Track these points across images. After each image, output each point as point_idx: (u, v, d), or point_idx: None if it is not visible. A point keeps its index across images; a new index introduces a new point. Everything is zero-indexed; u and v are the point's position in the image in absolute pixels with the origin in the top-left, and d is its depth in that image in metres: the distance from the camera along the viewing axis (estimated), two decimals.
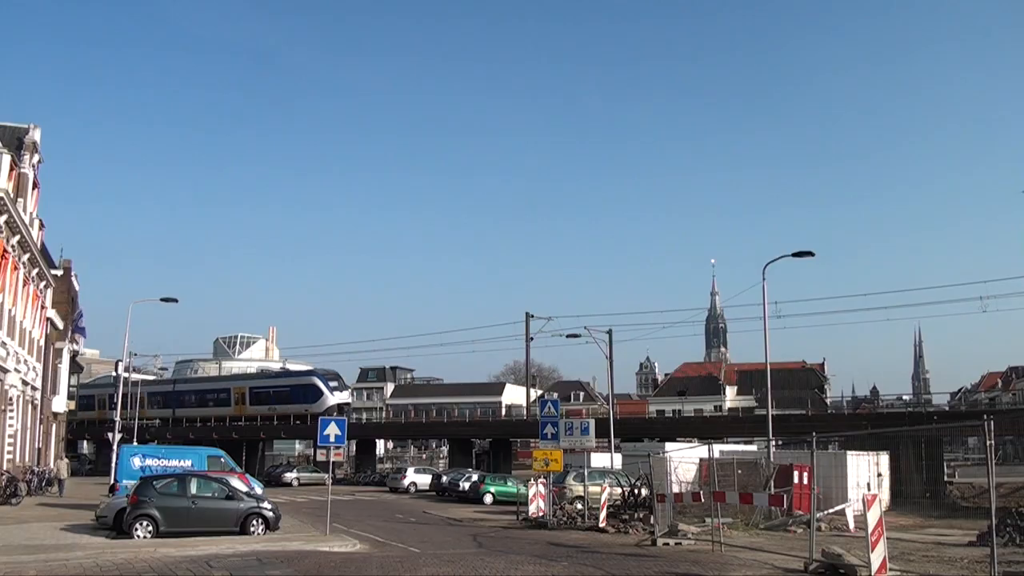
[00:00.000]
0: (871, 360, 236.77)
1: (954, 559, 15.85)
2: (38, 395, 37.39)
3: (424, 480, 47.57)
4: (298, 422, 63.81)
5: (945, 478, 36.93)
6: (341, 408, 59.56)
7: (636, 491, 25.93)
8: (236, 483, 22.02)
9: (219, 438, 61.65)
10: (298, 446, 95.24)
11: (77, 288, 49.42)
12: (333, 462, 24.42)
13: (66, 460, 39.73)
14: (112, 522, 20.06)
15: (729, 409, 79.71)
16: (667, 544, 18.42)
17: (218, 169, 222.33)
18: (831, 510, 23.08)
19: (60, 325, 42.64)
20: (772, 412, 29.79)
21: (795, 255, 27.46)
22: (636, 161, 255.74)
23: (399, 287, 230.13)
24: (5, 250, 26.78)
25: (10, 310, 29.24)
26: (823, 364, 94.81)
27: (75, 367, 54.80)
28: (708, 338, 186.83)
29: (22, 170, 30.44)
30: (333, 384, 64.32)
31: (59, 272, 40.62)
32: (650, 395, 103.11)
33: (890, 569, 13.04)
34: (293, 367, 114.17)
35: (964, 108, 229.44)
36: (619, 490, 26.62)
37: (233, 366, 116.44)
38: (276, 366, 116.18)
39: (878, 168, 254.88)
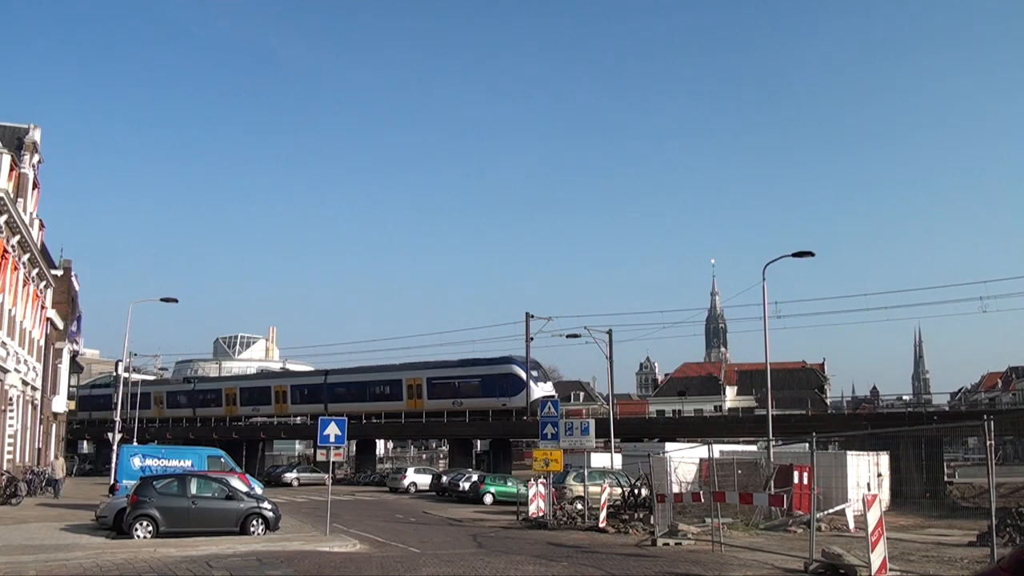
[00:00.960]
0: (871, 360, 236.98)
1: (954, 559, 15.84)
2: (38, 395, 37.38)
3: (424, 480, 47.54)
4: (500, 419, 53.91)
5: (945, 478, 36.91)
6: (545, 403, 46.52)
7: (636, 491, 25.92)
8: (236, 483, 22.00)
9: (219, 438, 61.61)
10: (298, 446, 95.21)
11: (77, 288, 49.43)
12: (333, 462, 24.37)
13: (62, 460, 38.74)
14: (112, 522, 20.06)
15: (729, 409, 79.62)
16: (667, 544, 18.41)
17: (218, 169, 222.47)
18: (831, 510, 23.07)
19: (60, 325, 42.63)
20: (772, 412, 29.76)
21: (795, 255, 27.44)
22: (636, 161, 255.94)
23: (399, 287, 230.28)
24: (5, 250, 26.77)
25: (10, 310, 29.23)
26: (823, 364, 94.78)
27: (75, 367, 54.79)
28: (708, 338, 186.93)
29: (22, 170, 30.44)
30: (535, 373, 53.54)
31: (59, 272, 40.62)
32: (650, 395, 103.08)
33: (890, 569, 13.04)
34: (294, 367, 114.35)
35: (964, 108, 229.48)
36: (619, 490, 26.60)
37: (233, 366, 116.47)
38: (276, 366, 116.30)
39: (878, 168, 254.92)
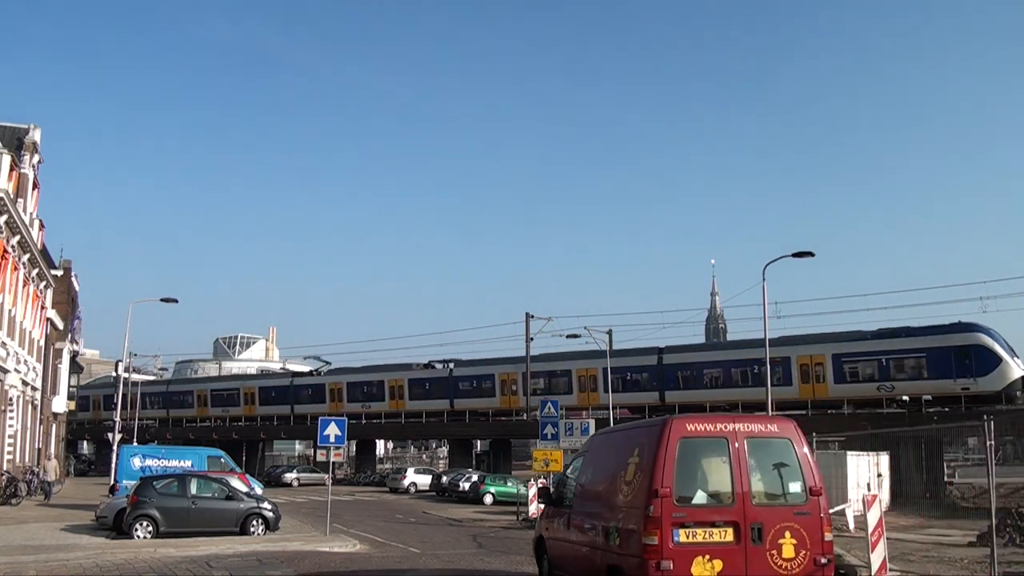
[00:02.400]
0: None
1: (954, 559, 15.84)
2: (38, 395, 37.39)
3: (424, 480, 47.58)
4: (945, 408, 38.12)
5: (945, 478, 36.84)
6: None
7: None
8: (236, 483, 22.01)
9: (219, 438, 61.62)
10: (298, 446, 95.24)
11: (77, 288, 49.47)
12: (333, 462, 24.40)
13: (55, 461, 36.30)
14: (112, 522, 20.08)
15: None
16: None
17: (218, 169, 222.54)
18: (831, 510, 22.99)
19: (60, 325, 42.64)
20: (772, 413, 29.76)
21: (795, 255, 27.42)
22: (636, 161, 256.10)
23: (399, 287, 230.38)
24: (5, 250, 26.78)
25: (10, 310, 29.24)
26: None
27: (75, 367, 54.81)
28: (708, 338, 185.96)
29: (22, 170, 30.45)
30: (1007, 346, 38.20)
31: (59, 272, 40.64)
32: None
33: (890, 569, 13.04)
34: (294, 367, 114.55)
35: (964, 108, 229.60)
36: None
37: (233, 366, 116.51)
38: (276, 366, 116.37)
39: (878, 168, 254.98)
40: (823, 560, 8.34)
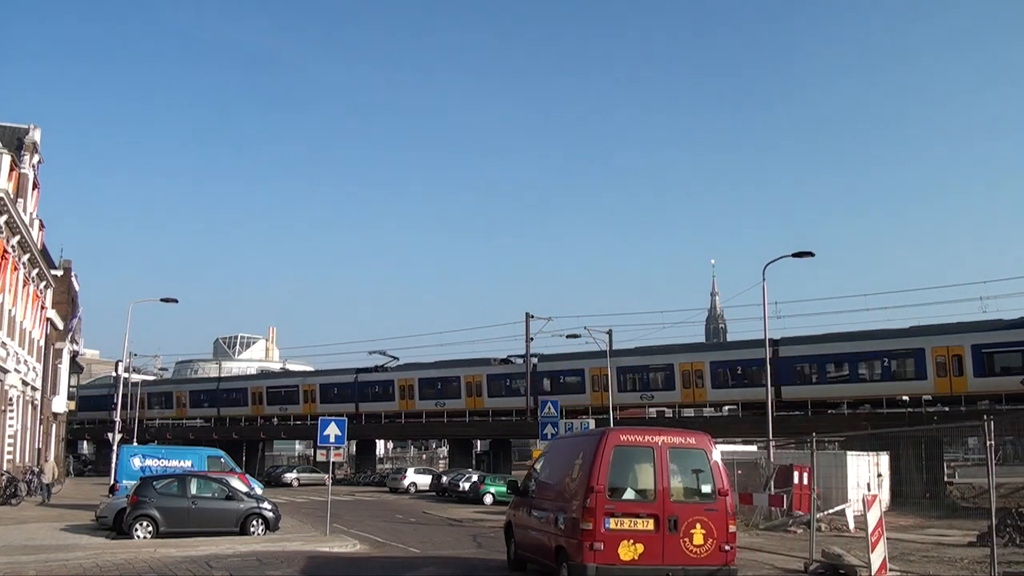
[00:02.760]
0: None
1: (954, 559, 15.84)
2: (38, 395, 37.37)
3: (424, 480, 47.54)
4: None
5: (945, 478, 36.79)
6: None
7: None
8: (236, 483, 22.00)
9: (219, 438, 61.58)
10: (298, 446, 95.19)
11: (77, 288, 49.45)
12: (333, 462, 24.39)
13: (52, 462, 34.92)
14: (112, 522, 20.06)
15: (729, 409, 79.32)
16: None
17: (218, 169, 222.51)
18: (831, 510, 23.06)
19: (60, 325, 42.63)
20: (772, 412, 29.75)
21: (795, 255, 27.42)
22: (636, 162, 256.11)
23: (399, 287, 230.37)
24: (5, 250, 26.76)
25: (10, 310, 29.22)
26: None
27: (75, 367, 54.78)
28: (708, 338, 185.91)
29: (22, 170, 30.43)
30: None
31: (59, 272, 40.62)
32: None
33: (890, 569, 13.04)
34: (293, 367, 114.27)
35: (964, 108, 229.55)
36: None
37: (233, 366, 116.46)
38: (276, 366, 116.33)
39: (878, 168, 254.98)
40: (726, 547, 10.33)
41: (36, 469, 32.67)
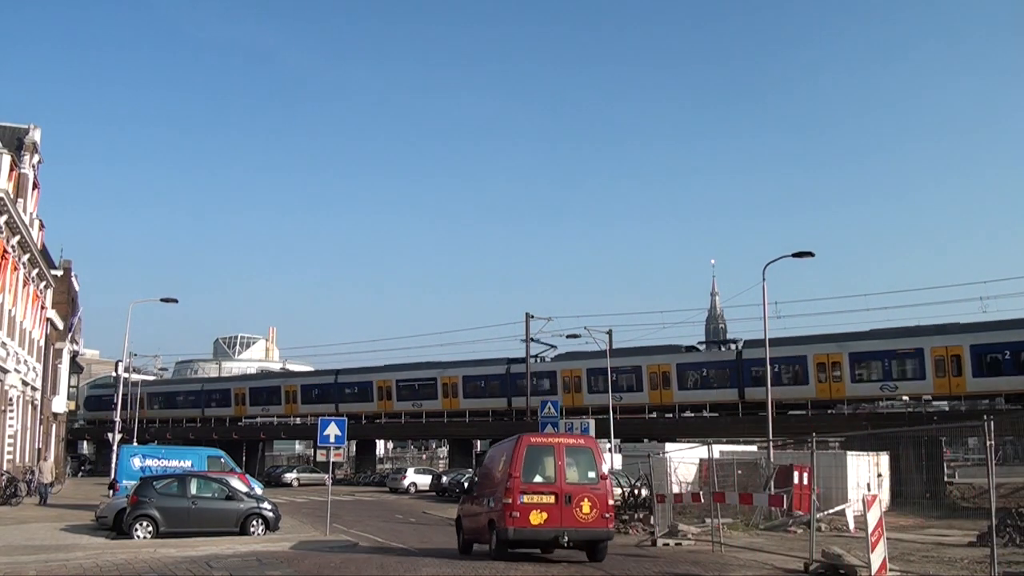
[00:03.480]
0: None
1: (954, 559, 15.83)
2: (38, 395, 37.39)
3: (424, 480, 47.54)
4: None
5: (945, 478, 36.84)
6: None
7: (636, 491, 25.92)
8: (236, 483, 22.02)
9: (219, 438, 61.59)
10: (298, 446, 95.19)
11: (77, 288, 49.46)
12: (333, 463, 24.42)
13: (50, 462, 33.61)
14: (112, 522, 20.08)
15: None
16: (667, 544, 18.41)
17: (218, 169, 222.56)
18: (831, 510, 23.07)
19: (60, 325, 42.64)
20: (772, 412, 29.77)
21: (795, 255, 27.46)
22: (636, 162, 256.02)
23: (399, 287, 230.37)
24: (5, 250, 26.77)
25: (10, 310, 29.24)
26: None
27: (75, 367, 54.81)
28: (708, 338, 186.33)
29: (22, 170, 30.44)
30: None
31: (59, 272, 40.64)
32: None
33: (890, 569, 13.03)
34: (293, 367, 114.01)
35: (964, 109, 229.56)
36: (619, 490, 26.59)
37: (233, 366, 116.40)
38: (276, 366, 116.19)
39: (878, 168, 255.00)
40: (607, 515, 14.36)
41: (35, 469, 32.52)
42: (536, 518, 13.99)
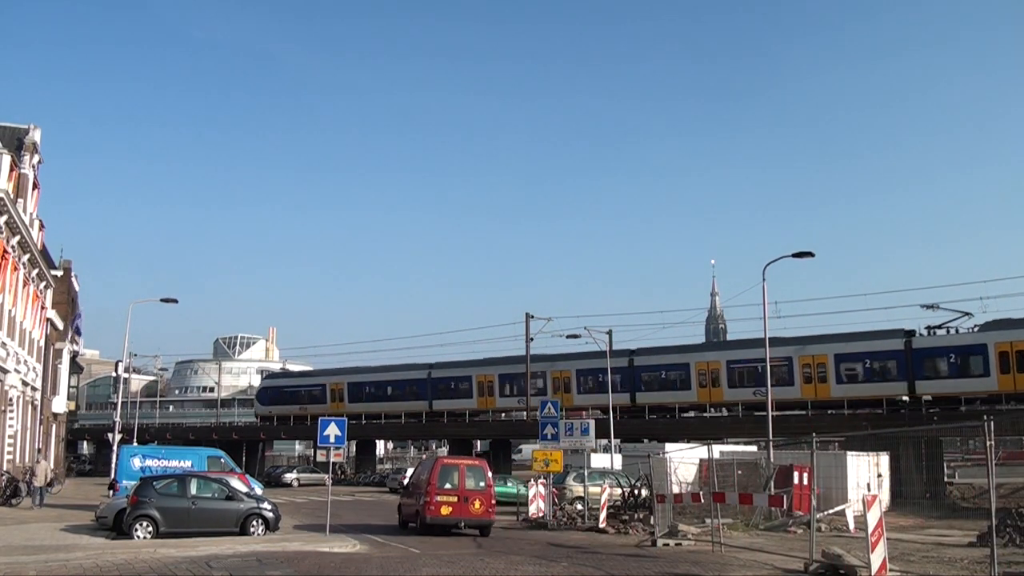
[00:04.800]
0: None
1: (954, 559, 15.84)
2: (38, 396, 37.38)
3: None
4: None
5: (945, 479, 36.83)
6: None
7: (636, 492, 25.93)
8: (236, 484, 22.01)
9: (219, 438, 61.61)
10: (298, 447, 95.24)
11: (77, 288, 49.46)
12: (333, 463, 24.52)
13: (45, 463, 31.16)
14: (112, 523, 20.06)
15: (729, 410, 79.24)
16: (667, 545, 18.42)
17: (218, 169, 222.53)
18: (831, 511, 23.06)
19: (60, 325, 42.63)
20: (772, 412, 29.76)
21: (795, 255, 27.46)
22: (636, 161, 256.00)
23: (399, 287, 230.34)
24: (5, 251, 26.76)
25: (10, 311, 29.24)
26: None
27: (75, 367, 54.81)
28: (708, 338, 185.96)
29: (22, 171, 30.43)
30: None
31: (59, 272, 40.61)
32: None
33: (890, 569, 13.03)
34: (293, 367, 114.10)
35: (964, 109, 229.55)
36: (619, 491, 26.60)
37: (233, 367, 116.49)
38: (276, 366, 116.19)
39: (878, 169, 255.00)
40: (490, 509, 21.14)
41: (34, 467, 31.83)
42: (445, 510, 20.86)
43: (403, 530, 22.44)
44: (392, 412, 58.37)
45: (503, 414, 56.25)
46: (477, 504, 20.91)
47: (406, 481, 28.59)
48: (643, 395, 46.95)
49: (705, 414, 46.28)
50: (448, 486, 20.98)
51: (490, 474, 22.11)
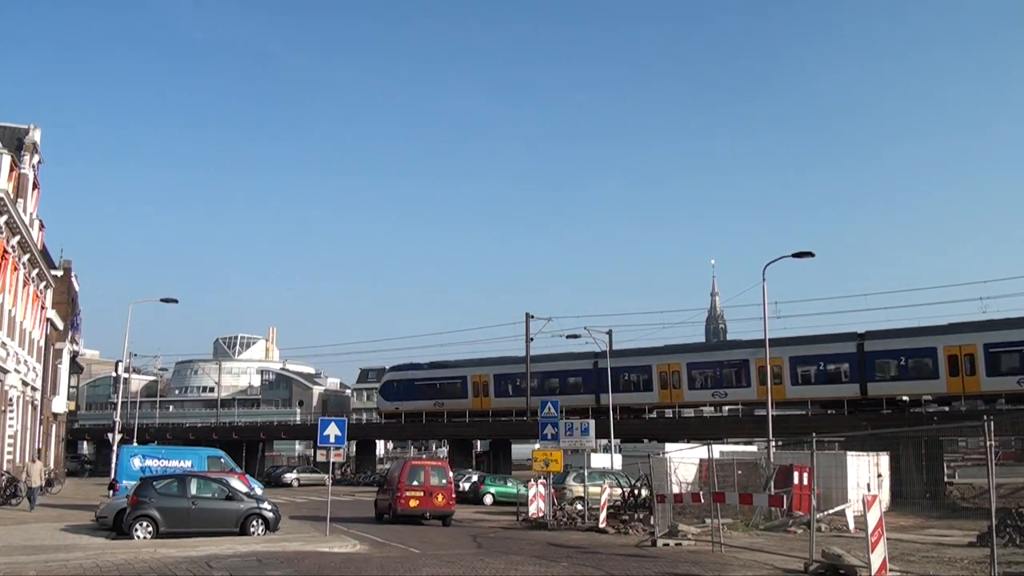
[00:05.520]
0: None
1: (954, 559, 15.84)
2: (38, 396, 37.38)
3: None
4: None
5: (945, 479, 36.85)
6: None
7: (636, 492, 25.93)
8: (236, 484, 22.00)
9: (219, 439, 61.61)
10: (298, 447, 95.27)
11: (77, 289, 49.44)
12: (333, 463, 24.60)
13: (39, 464, 29.97)
14: (112, 523, 20.05)
15: (729, 410, 79.31)
16: (667, 545, 18.42)
17: (218, 170, 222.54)
18: (831, 511, 23.06)
19: (60, 325, 42.62)
20: (772, 412, 29.76)
21: (795, 255, 27.48)
22: (636, 162, 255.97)
23: (399, 287, 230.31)
24: (5, 251, 26.76)
25: (10, 311, 29.23)
26: None
27: (75, 367, 54.78)
28: (708, 338, 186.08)
29: (22, 171, 30.42)
30: None
31: (59, 272, 40.59)
32: None
33: (890, 570, 13.03)
34: (293, 367, 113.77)
35: (964, 109, 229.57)
36: (619, 491, 26.61)
37: (233, 367, 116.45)
38: (276, 367, 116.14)
39: (878, 169, 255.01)
40: (450, 501, 25.17)
41: (23, 466, 30.31)
42: (413, 503, 24.74)
43: (379, 521, 25.72)
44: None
45: (691, 410, 49.56)
46: (440, 498, 24.77)
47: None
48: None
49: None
50: (416, 483, 24.91)
51: (451, 473, 26.55)
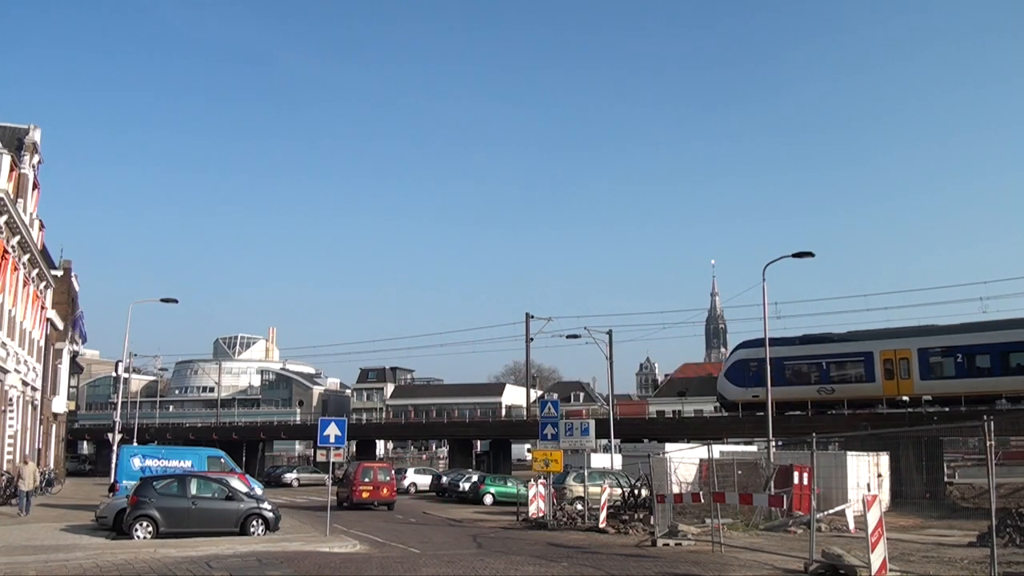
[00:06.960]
0: None
1: (954, 559, 15.84)
2: (38, 396, 37.39)
3: (424, 481, 47.61)
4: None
5: (945, 479, 36.85)
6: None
7: (636, 492, 25.94)
8: (236, 484, 22.01)
9: (219, 439, 61.63)
10: (298, 447, 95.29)
11: (77, 289, 49.43)
12: (333, 462, 24.51)
13: (32, 465, 27.18)
14: (112, 523, 20.05)
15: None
16: (667, 545, 18.42)
17: (219, 170, 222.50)
18: (831, 511, 23.07)
19: (60, 326, 42.62)
20: (772, 413, 29.78)
21: (795, 255, 27.50)
22: (636, 162, 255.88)
23: (399, 287, 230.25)
24: (5, 251, 26.75)
25: (10, 311, 29.22)
26: None
27: (75, 367, 54.78)
28: (708, 338, 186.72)
29: (22, 171, 30.42)
30: None
31: (59, 273, 40.59)
32: (650, 396, 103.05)
33: (890, 570, 13.04)
34: (293, 367, 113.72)
35: (964, 110, 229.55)
36: (619, 491, 26.62)
37: (233, 367, 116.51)
38: (276, 367, 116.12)
39: (878, 169, 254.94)
40: (394, 492, 34.85)
41: (17, 473, 27.20)
42: (365, 494, 32.90)
43: (339, 507, 30.81)
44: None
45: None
46: (385, 491, 33.58)
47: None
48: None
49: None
50: (367, 480, 33.43)
51: (393, 471, 37.43)
